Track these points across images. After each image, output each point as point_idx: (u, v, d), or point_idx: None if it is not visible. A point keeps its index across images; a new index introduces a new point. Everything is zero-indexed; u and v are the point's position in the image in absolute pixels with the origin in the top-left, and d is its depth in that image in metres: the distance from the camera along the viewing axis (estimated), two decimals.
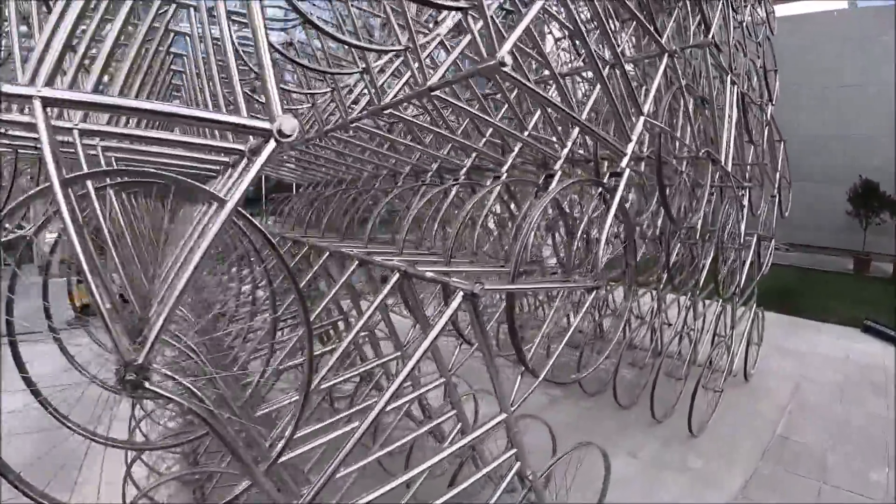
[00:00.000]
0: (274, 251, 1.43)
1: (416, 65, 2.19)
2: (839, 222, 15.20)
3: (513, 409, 2.22)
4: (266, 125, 1.09)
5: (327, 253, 2.99)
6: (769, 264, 5.91)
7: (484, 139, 3.92)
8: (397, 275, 2.16)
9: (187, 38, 2.87)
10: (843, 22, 15.93)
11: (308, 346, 1.46)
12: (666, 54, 2.60)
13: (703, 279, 4.59)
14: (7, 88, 1.01)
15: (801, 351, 7.44)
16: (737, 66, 4.51)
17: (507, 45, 1.65)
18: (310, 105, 3.87)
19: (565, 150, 2.63)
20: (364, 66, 2.68)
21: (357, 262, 2.56)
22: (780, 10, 16.65)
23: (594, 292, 2.19)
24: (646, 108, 2.40)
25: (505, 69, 1.62)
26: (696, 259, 4.89)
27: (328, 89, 3.60)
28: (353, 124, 3.00)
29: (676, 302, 5.65)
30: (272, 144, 1.09)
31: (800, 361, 6.98)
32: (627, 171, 2.25)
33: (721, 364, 5.21)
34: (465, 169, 3.71)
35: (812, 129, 15.58)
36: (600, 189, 2.30)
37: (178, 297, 1.10)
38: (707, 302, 5.48)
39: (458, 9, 1.81)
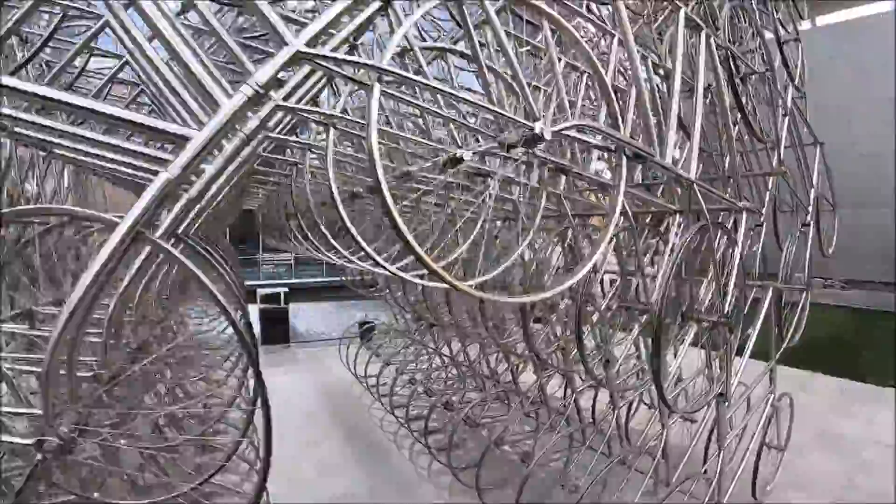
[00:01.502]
0: None
1: None
2: None
3: None
4: None
5: None
6: (800, 326, 3.97)
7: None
8: None
9: None
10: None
11: None
12: None
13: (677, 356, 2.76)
14: None
15: (850, 436, 5.38)
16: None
17: None
18: None
19: None
20: None
21: None
22: (825, 20, 14.45)
23: None
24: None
25: None
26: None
27: None
28: None
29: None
30: None
31: (847, 456, 4.95)
32: None
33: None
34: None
35: (870, 146, 13.18)
36: None
37: None
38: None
39: None
